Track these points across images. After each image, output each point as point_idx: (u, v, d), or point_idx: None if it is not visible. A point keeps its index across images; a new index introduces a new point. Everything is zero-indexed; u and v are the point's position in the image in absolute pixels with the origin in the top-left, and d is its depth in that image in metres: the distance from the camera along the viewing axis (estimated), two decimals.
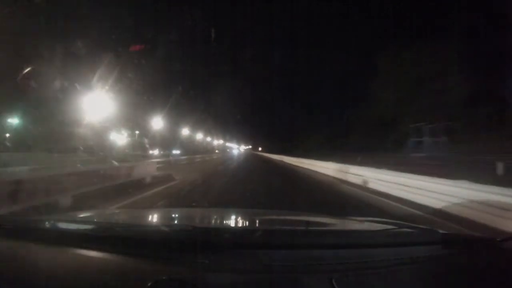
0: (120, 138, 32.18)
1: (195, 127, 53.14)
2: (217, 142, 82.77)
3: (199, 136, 58.47)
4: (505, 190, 3.77)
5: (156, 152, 36.32)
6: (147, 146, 33.31)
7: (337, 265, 0.98)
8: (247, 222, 1.87)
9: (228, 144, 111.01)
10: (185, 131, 47.77)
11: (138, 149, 31.79)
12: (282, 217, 1.99)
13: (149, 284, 0.81)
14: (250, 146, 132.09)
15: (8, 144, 17.89)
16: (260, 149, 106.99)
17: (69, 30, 16.76)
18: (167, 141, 40.00)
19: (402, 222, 1.52)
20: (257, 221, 1.79)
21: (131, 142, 34.93)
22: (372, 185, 7.45)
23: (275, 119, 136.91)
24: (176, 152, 42.56)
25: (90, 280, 0.90)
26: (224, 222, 1.85)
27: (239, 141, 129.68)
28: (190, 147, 48.32)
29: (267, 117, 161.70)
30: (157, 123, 33.24)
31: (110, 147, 26.41)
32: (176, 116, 42.12)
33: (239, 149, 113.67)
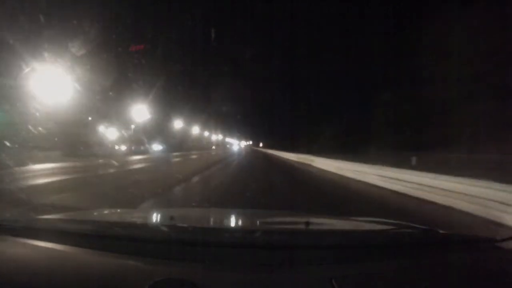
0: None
1: (191, 121, 47.73)
2: (216, 137, 77.68)
3: (196, 130, 52.94)
4: None
5: (123, 147, 29.64)
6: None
7: (337, 265, 0.99)
8: (247, 222, 1.85)
9: (228, 139, 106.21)
10: (178, 124, 42.06)
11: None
12: (282, 217, 1.97)
13: (149, 284, 0.81)
14: (251, 142, 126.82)
15: None
16: (261, 145, 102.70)
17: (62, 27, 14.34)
18: (149, 134, 33.54)
19: (402, 223, 1.46)
20: (257, 221, 1.79)
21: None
22: None
23: (276, 113, 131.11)
24: (158, 148, 36.29)
25: (90, 280, 0.90)
26: (224, 222, 1.84)
27: (240, 136, 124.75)
28: (185, 143, 43.08)
29: (268, 111, 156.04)
30: (140, 114, 27.57)
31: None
32: (168, 109, 36.79)
33: (239, 145, 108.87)
